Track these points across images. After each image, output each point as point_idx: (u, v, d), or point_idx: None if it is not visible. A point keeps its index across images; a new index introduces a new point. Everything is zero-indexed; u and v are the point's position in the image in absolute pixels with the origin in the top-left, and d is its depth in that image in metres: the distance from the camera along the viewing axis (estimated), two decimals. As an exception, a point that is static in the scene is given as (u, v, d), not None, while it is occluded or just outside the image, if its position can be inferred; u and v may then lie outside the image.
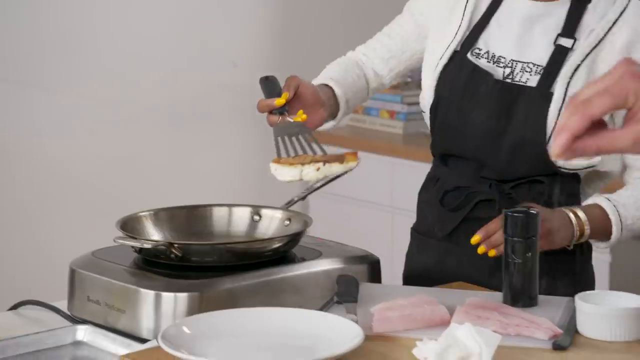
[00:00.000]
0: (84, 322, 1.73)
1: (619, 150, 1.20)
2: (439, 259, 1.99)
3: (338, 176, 1.95)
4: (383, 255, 1.91)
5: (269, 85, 1.86)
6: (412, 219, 2.11)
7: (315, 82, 2.01)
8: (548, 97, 1.87)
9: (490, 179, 1.93)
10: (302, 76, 1.89)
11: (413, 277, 2.04)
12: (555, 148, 1.20)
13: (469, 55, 1.95)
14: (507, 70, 1.92)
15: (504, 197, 1.91)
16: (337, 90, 2.01)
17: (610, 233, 1.86)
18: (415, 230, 2.07)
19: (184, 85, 3.49)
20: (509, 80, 1.91)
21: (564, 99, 1.86)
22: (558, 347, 1.52)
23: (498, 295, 1.73)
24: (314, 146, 1.77)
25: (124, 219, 1.82)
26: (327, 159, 1.56)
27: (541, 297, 1.71)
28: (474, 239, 1.79)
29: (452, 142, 1.97)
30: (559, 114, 1.85)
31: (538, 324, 1.56)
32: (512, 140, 1.89)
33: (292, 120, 1.79)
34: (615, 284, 2.00)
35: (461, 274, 1.93)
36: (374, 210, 3.71)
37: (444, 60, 1.96)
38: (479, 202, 1.94)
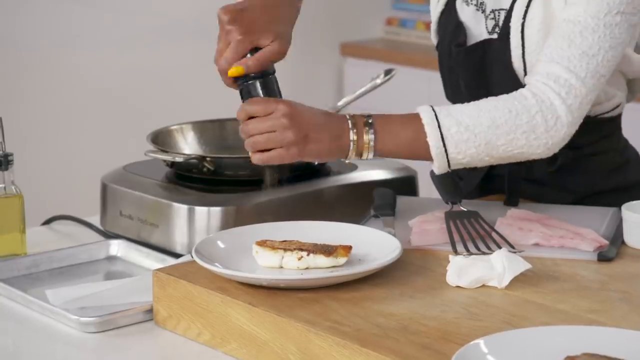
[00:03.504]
0: (116, 237, 1.72)
1: None
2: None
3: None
4: (419, 170, 1.86)
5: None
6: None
7: None
8: (507, 46, 1.64)
9: None
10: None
11: None
12: None
13: (457, 3, 1.74)
14: (491, 23, 1.69)
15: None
16: None
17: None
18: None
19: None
20: (487, 37, 1.68)
21: (522, 44, 1.62)
22: (603, 258, 1.47)
23: (541, 207, 1.68)
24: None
25: (155, 133, 1.78)
26: (314, 250, 1.40)
27: (586, 207, 1.66)
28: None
29: (451, 95, 1.82)
30: (524, 62, 1.62)
31: (583, 235, 1.51)
32: None
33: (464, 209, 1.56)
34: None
35: None
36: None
37: (440, 7, 1.77)
38: None
